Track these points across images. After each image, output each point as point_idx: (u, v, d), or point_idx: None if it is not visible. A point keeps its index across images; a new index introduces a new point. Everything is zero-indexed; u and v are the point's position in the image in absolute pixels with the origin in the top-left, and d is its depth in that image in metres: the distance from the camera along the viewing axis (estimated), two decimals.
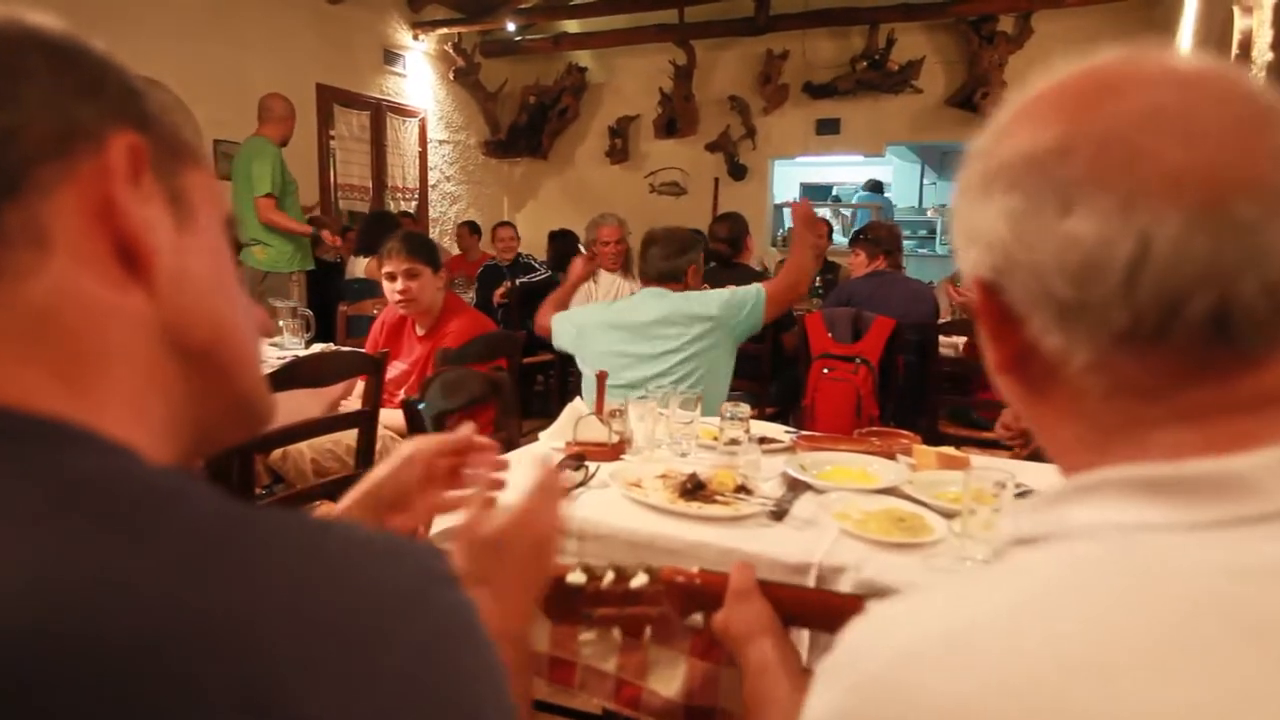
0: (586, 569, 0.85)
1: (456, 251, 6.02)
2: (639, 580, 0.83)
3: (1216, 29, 3.04)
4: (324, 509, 1.98)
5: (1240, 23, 2.49)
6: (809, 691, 0.40)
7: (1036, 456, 1.70)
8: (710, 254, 3.69)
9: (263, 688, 0.25)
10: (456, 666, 0.30)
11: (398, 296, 2.37)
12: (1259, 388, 0.37)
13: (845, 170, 8.44)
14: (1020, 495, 1.25)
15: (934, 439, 2.29)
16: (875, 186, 8.29)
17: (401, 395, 2.37)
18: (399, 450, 0.78)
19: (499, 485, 0.77)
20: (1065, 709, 0.31)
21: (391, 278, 2.36)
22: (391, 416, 2.10)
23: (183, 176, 0.40)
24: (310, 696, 0.26)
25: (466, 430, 0.78)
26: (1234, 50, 2.44)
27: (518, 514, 0.67)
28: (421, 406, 1.65)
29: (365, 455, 2.01)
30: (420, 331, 2.47)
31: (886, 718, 0.35)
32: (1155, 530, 0.35)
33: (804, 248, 2.38)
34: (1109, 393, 0.39)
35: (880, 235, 3.51)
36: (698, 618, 0.88)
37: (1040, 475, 1.42)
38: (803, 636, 1.02)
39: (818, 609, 0.85)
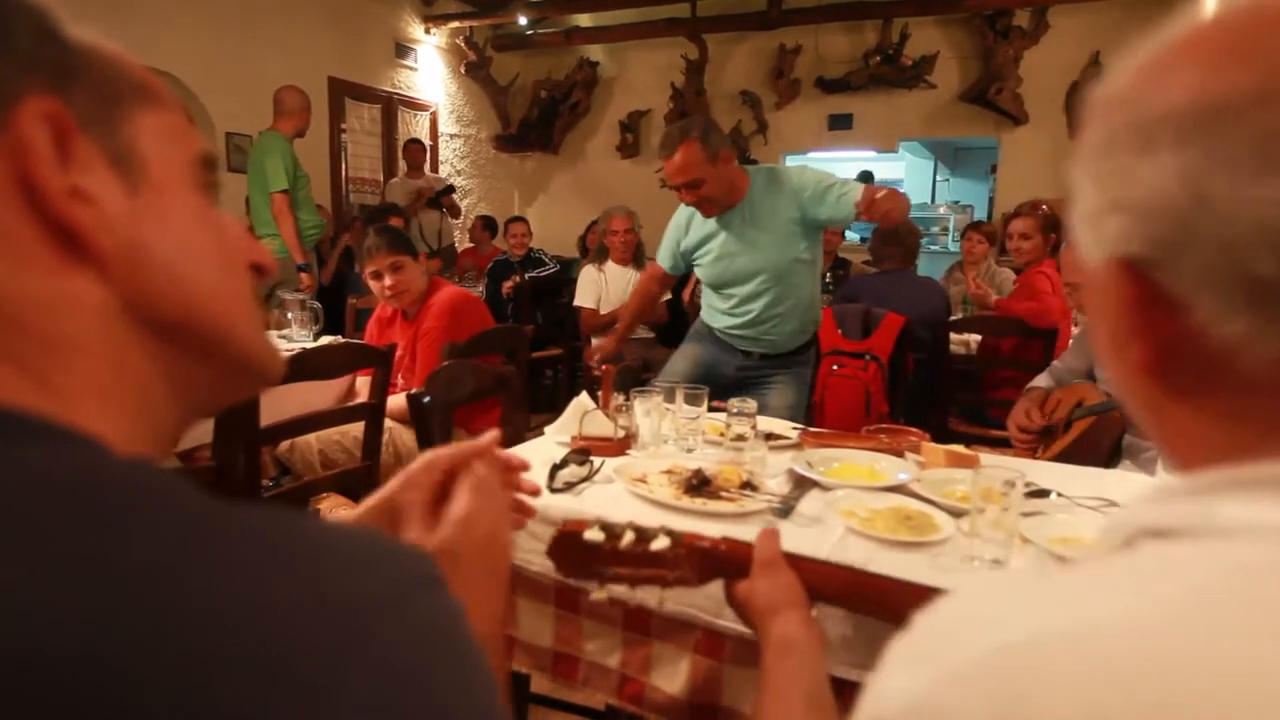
0: (605, 527, 0.82)
1: (469, 244, 6.04)
2: (660, 543, 0.80)
3: None
4: (330, 502, 1.98)
5: None
6: (878, 671, 0.35)
7: (1060, 458, 1.68)
8: None
9: (213, 701, 0.23)
10: (434, 675, 0.28)
11: (388, 292, 2.40)
12: None
13: (858, 166, 8.39)
14: (1031, 495, 1.23)
15: (944, 437, 2.27)
16: (866, 179, 8.24)
17: (400, 381, 2.38)
18: (415, 461, 0.70)
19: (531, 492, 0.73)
20: None
21: (378, 275, 2.38)
22: (393, 402, 2.11)
23: (128, 127, 0.35)
24: (267, 710, 0.24)
25: (488, 437, 0.71)
26: None
27: (459, 519, 0.61)
28: (426, 400, 1.65)
29: (372, 447, 2.02)
30: (409, 318, 2.51)
31: (990, 717, 0.30)
32: None
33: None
34: None
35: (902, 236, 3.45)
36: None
37: (1052, 475, 1.40)
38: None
39: (850, 587, 0.80)
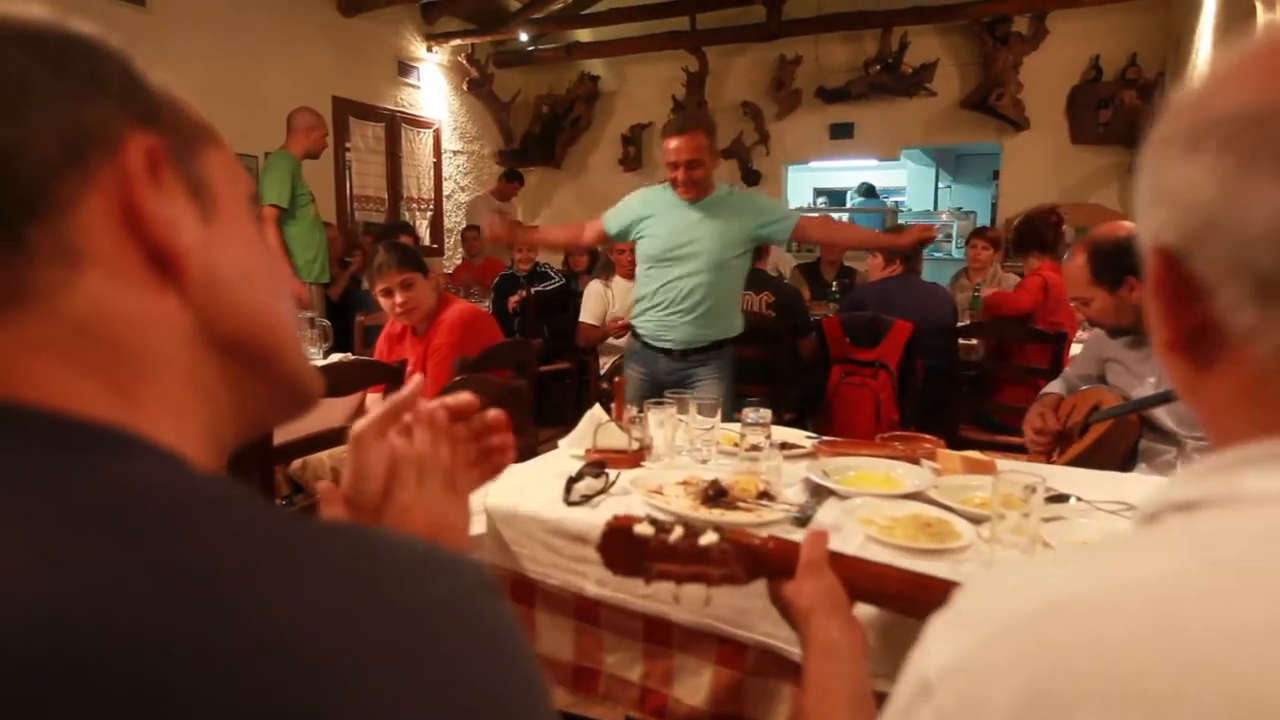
0: (654, 522, 0.83)
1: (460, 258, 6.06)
2: (708, 538, 0.81)
3: (1238, 26, 3.00)
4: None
5: (1263, 18, 2.46)
6: (919, 645, 0.37)
7: (1077, 462, 1.67)
8: None
9: (298, 702, 0.24)
10: (498, 679, 0.29)
11: (399, 309, 2.40)
12: None
13: (859, 175, 8.41)
14: (1050, 500, 1.23)
15: (955, 444, 2.25)
16: (869, 191, 8.27)
17: None
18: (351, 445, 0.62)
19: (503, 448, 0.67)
20: (1271, 694, 0.28)
21: (388, 293, 2.39)
22: None
23: (199, 161, 0.38)
24: (349, 710, 0.25)
25: (407, 391, 0.63)
26: None
27: (391, 513, 0.55)
28: None
29: None
30: (419, 334, 2.52)
31: (1031, 674, 0.31)
32: None
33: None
34: None
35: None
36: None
37: (1069, 480, 1.40)
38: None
39: (896, 588, 0.80)
